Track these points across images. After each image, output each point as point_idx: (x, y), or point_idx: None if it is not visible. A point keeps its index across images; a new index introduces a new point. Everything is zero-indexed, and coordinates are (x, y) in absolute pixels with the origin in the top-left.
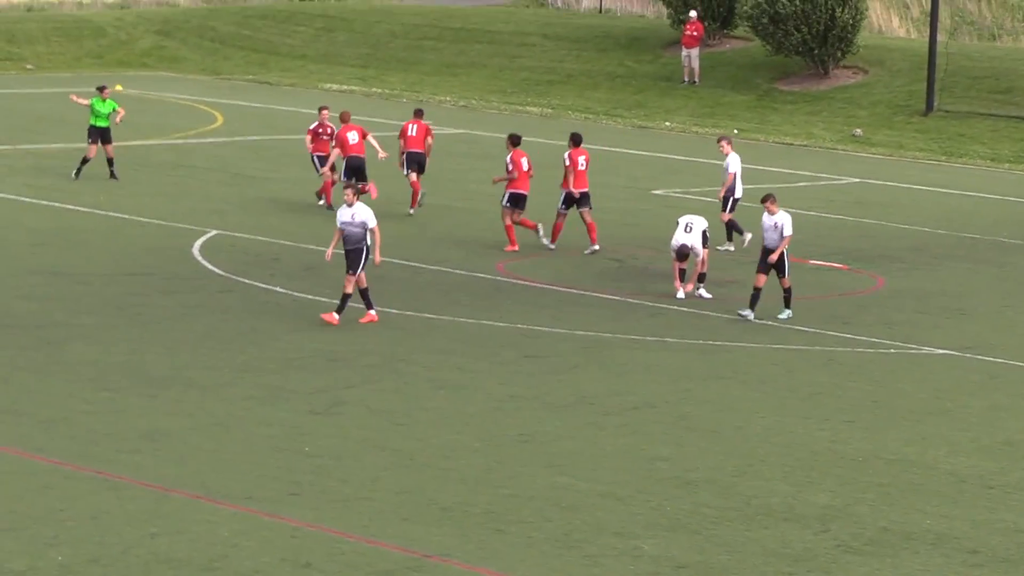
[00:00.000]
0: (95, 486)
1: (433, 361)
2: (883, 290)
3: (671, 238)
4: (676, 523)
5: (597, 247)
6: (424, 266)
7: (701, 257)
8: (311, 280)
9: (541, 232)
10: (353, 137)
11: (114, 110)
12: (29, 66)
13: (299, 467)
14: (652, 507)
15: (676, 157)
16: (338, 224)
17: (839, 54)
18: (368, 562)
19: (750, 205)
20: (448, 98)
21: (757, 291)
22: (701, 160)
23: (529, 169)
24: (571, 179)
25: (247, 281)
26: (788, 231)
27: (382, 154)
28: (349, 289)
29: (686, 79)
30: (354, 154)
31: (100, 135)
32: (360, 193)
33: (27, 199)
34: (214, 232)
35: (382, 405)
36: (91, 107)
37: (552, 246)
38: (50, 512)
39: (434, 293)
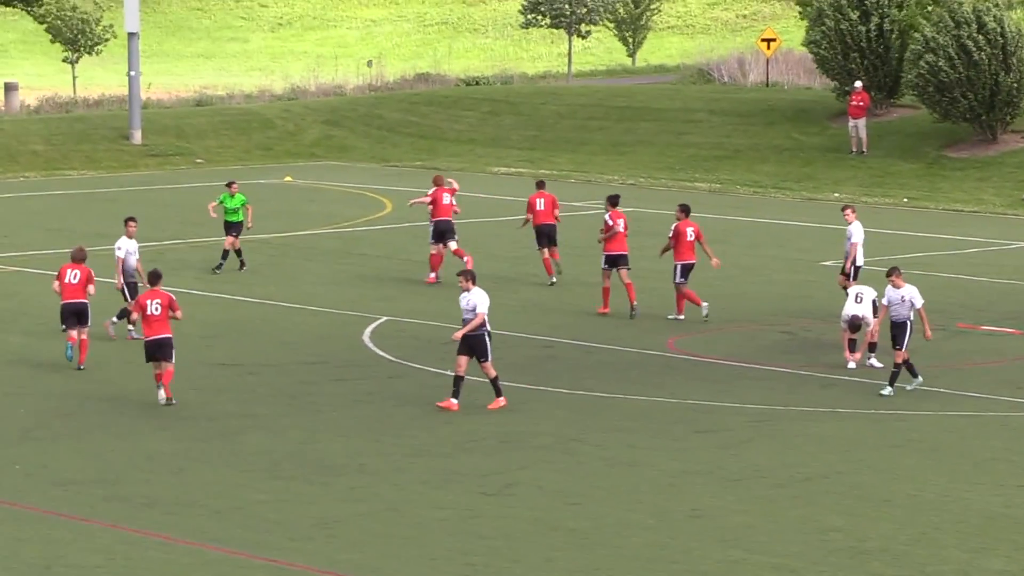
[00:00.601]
0: (268, 575)
1: (605, 439)
2: None
3: (842, 309)
4: None
5: (635, 307)
6: (594, 345)
7: (872, 327)
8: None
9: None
10: (446, 199)
11: (243, 204)
12: (199, 160)
13: (472, 549)
14: None
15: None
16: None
17: (1007, 119)
18: None
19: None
20: (616, 176)
21: (897, 367)
22: (871, 230)
23: (625, 229)
24: (606, 241)
25: (417, 366)
26: (919, 302)
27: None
28: (462, 372)
29: (854, 149)
30: (442, 217)
31: (233, 229)
32: (469, 278)
33: (198, 292)
34: (384, 318)
35: (554, 485)
36: (221, 203)
37: (604, 311)
38: None
39: (605, 371)
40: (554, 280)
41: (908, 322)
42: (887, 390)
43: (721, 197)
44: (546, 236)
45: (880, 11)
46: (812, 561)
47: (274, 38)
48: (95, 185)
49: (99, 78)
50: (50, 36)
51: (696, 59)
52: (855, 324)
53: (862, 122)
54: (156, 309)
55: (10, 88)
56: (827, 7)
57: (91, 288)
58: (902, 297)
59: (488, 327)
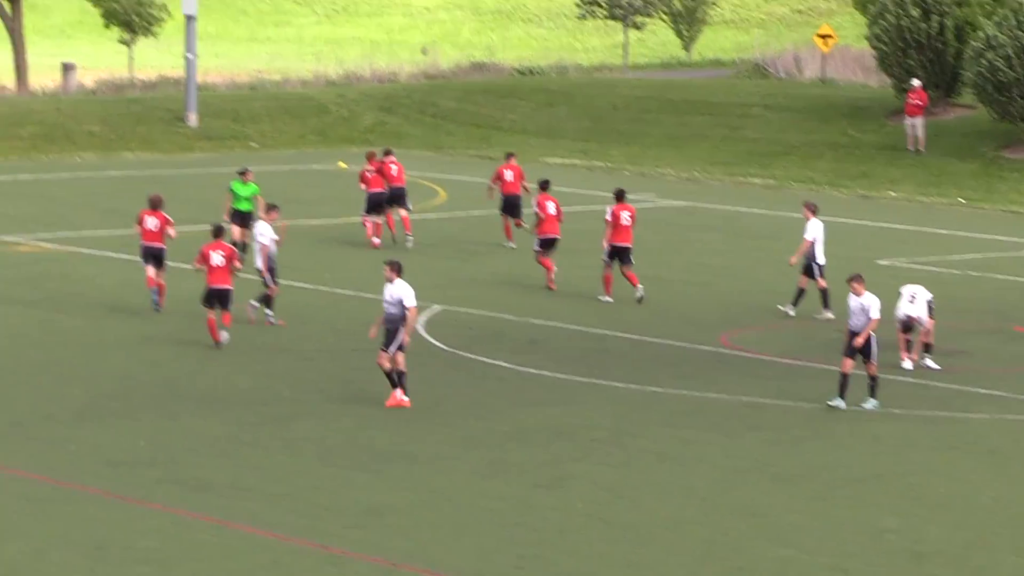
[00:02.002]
0: (320, 561)
1: (658, 434)
2: None
3: (896, 309)
4: None
5: (640, 290)
6: (648, 339)
7: (926, 327)
8: (535, 354)
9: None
10: (508, 175)
11: (254, 194)
12: (253, 144)
13: (524, 541)
14: None
15: (901, 227)
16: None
17: None
18: None
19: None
20: (671, 170)
21: (845, 377)
22: (928, 230)
23: (630, 221)
24: (610, 233)
25: (471, 356)
26: (875, 314)
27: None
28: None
29: (911, 148)
30: (510, 192)
31: (241, 219)
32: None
33: (252, 277)
34: (438, 308)
35: (607, 479)
36: (232, 191)
37: (608, 298)
38: None
39: (658, 366)
40: (513, 245)
41: (871, 333)
42: (837, 402)
43: (775, 193)
44: (512, 205)
45: (940, 9)
46: (866, 562)
47: (329, 24)
48: (151, 167)
49: (155, 60)
50: (106, 19)
51: (752, 53)
52: (908, 324)
53: (919, 120)
54: (220, 260)
55: (68, 69)
56: (889, 3)
57: (171, 231)
58: (861, 306)
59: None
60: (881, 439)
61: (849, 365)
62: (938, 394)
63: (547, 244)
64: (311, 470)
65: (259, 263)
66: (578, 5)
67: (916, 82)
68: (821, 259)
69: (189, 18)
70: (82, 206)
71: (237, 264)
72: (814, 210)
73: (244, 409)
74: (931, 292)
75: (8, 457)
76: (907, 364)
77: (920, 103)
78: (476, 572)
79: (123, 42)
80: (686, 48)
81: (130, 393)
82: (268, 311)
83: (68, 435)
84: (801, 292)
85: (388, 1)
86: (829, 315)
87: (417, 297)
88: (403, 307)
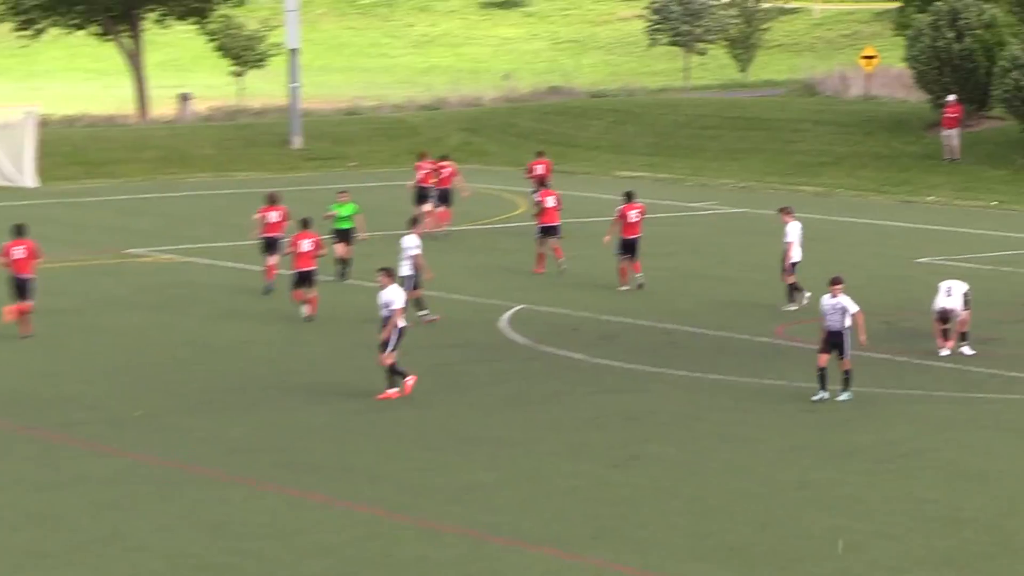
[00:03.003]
0: (417, 534)
1: (720, 417)
2: None
3: (934, 301)
4: (945, 559)
5: (640, 278)
6: (710, 332)
7: (962, 317)
8: (607, 348)
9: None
10: (632, 216)
11: (354, 213)
12: (352, 163)
13: (601, 514)
14: (922, 545)
15: (939, 228)
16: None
17: None
18: None
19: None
20: (730, 181)
21: (822, 371)
22: (963, 230)
23: (639, 218)
24: (618, 228)
25: (549, 349)
26: (853, 308)
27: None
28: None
29: (947, 157)
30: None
31: (342, 236)
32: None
33: (354, 281)
34: (519, 306)
35: (674, 457)
36: (332, 211)
37: (624, 287)
38: (378, 558)
39: (719, 356)
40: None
41: (844, 331)
42: (822, 395)
43: (825, 200)
44: (429, 197)
45: (971, 31)
46: (908, 528)
47: (420, 54)
48: (259, 185)
49: (262, 89)
50: (219, 53)
51: (802, 74)
52: (945, 315)
53: (955, 132)
54: (308, 246)
55: (185, 99)
56: (925, 27)
57: (323, 252)
58: (834, 306)
59: (402, 323)
60: (922, 419)
61: (824, 360)
62: (973, 378)
63: (547, 231)
64: (408, 453)
65: (408, 270)
66: (646, 34)
67: (951, 97)
68: (797, 257)
69: (293, 51)
70: (198, 221)
71: (322, 251)
72: (791, 213)
73: (349, 400)
74: (966, 285)
75: (139, 445)
76: (944, 351)
77: (955, 116)
78: (557, 542)
79: (234, 74)
80: (742, 70)
81: (244, 387)
82: (421, 311)
83: (191, 425)
84: (792, 288)
85: (472, 34)
86: (793, 307)
87: (501, 297)
88: (391, 309)
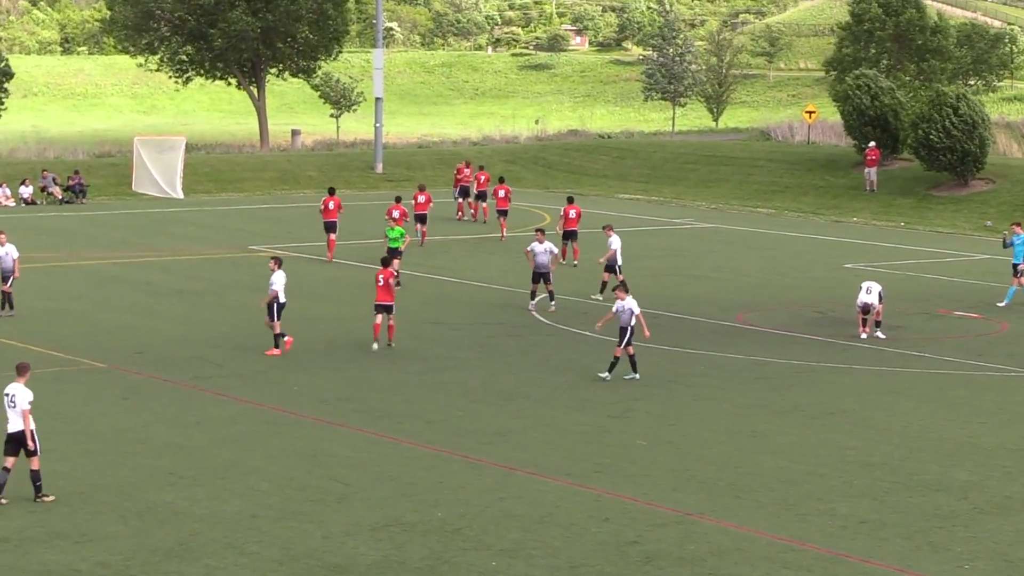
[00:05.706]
0: (463, 467)
1: (693, 381)
2: (1007, 332)
3: (856, 297)
4: (860, 492)
5: (576, 263)
6: (687, 316)
7: (878, 309)
8: (608, 328)
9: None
10: (571, 214)
11: (402, 235)
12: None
13: (601, 453)
14: (843, 481)
15: (861, 241)
16: None
17: (975, 170)
18: (647, 519)
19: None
20: (703, 203)
21: (617, 359)
22: (879, 244)
23: (575, 216)
24: (561, 223)
25: (566, 328)
26: (637, 310)
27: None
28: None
29: (868, 188)
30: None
31: (394, 254)
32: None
33: (419, 274)
34: (543, 295)
35: (658, 411)
36: (387, 235)
37: (572, 263)
38: (433, 484)
39: (694, 336)
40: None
41: (630, 327)
42: (605, 375)
43: (775, 219)
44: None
45: (885, 94)
46: (833, 469)
47: (473, 103)
48: (349, 200)
49: (353, 127)
50: (321, 99)
51: (759, 124)
52: (866, 309)
53: (874, 170)
54: (382, 280)
55: (295, 133)
56: (851, 92)
57: (396, 284)
58: (623, 307)
59: (281, 299)
60: (845, 386)
61: (619, 352)
62: (885, 355)
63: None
64: (457, 404)
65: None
66: (642, 91)
67: (872, 143)
68: (619, 260)
69: (378, 100)
70: (303, 226)
71: (392, 282)
72: (612, 229)
73: (411, 363)
74: (881, 284)
75: (253, 394)
76: (863, 336)
77: (874, 158)
78: (568, 474)
79: (332, 115)
80: (715, 120)
81: (333, 351)
82: (532, 302)
83: (292, 380)
84: (604, 284)
85: (513, 88)
86: (599, 297)
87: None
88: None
